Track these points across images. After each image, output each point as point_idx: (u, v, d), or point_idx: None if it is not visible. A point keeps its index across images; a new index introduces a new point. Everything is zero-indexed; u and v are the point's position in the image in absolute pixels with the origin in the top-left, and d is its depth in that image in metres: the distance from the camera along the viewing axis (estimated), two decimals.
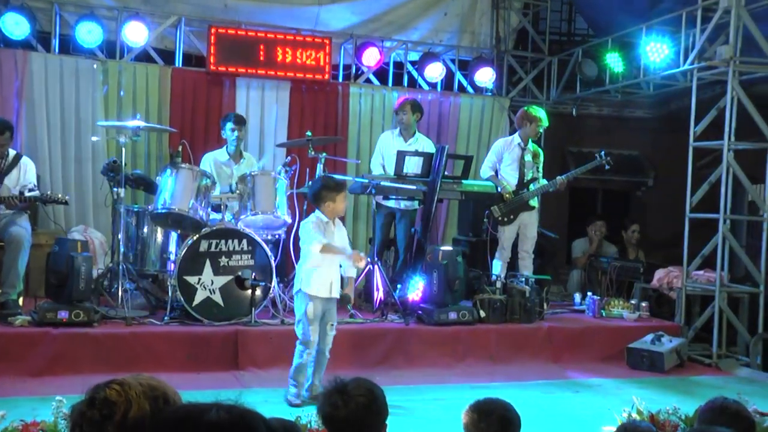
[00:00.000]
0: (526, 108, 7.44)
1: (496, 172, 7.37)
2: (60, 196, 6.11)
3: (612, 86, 8.57)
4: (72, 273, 5.60)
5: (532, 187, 7.24)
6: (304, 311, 4.99)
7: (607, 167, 7.26)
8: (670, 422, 3.85)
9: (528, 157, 7.27)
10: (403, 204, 7.36)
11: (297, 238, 6.26)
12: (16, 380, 5.08)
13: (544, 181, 7.30)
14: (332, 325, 5.13)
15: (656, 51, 7.43)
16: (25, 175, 6.14)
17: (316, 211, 5.05)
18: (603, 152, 7.23)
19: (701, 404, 3.58)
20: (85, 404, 1.82)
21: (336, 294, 5.07)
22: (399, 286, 6.93)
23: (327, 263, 4.99)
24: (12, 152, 6.17)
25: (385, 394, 2.64)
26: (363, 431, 2.58)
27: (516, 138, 7.36)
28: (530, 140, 7.35)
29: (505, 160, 7.33)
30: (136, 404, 1.78)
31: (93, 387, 1.87)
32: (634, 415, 3.79)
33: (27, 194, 5.91)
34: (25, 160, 6.23)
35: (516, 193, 7.22)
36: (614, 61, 8.19)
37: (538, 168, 7.31)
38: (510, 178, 7.29)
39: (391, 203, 7.32)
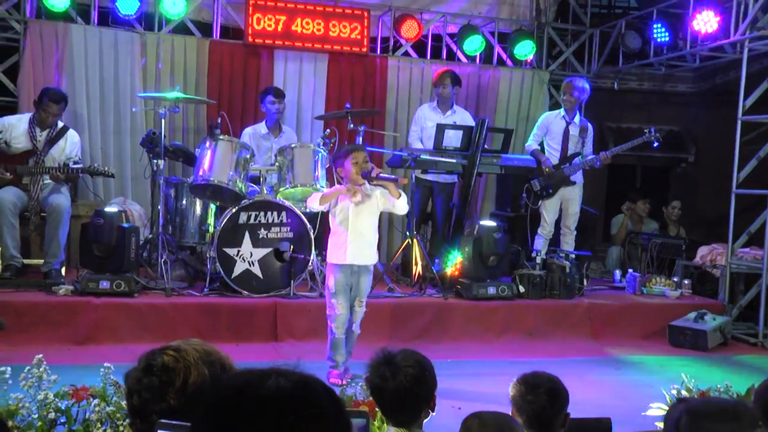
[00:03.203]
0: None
1: (542, 146, 7.27)
2: (106, 169, 6.19)
3: (656, 59, 8.35)
4: (122, 244, 5.67)
5: (575, 162, 7.13)
6: (327, 282, 4.85)
7: (656, 144, 7.08)
8: None
9: (574, 131, 7.15)
10: (442, 177, 7.29)
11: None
12: (60, 348, 5.15)
13: (589, 156, 7.17)
14: (361, 301, 4.84)
15: (704, 21, 7.21)
16: (71, 147, 6.23)
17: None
18: (653, 129, 7.03)
19: (754, 383, 3.50)
20: (141, 371, 1.79)
21: (361, 261, 4.75)
22: (437, 260, 6.88)
23: (341, 227, 4.77)
24: (60, 123, 6.25)
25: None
26: (411, 403, 2.55)
27: (561, 111, 7.26)
28: (578, 114, 7.23)
29: (549, 134, 7.23)
30: (195, 370, 1.75)
31: (147, 353, 1.84)
32: (684, 393, 3.71)
33: (72, 166, 5.99)
34: (72, 133, 6.32)
35: (557, 168, 7.10)
36: (659, 33, 7.97)
37: (585, 143, 7.18)
38: (552, 152, 7.19)
39: (429, 176, 7.26)
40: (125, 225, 5.73)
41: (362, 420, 2.52)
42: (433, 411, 2.58)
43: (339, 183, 5.00)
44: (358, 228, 4.75)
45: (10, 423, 3.21)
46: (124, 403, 3.21)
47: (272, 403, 1.19)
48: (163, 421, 1.68)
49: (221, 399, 1.23)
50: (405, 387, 2.52)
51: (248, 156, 6.09)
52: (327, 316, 4.84)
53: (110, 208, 5.97)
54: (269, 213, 5.99)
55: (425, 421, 2.59)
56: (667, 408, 3.44)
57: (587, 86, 7.25)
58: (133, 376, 1.81)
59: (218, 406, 1.22)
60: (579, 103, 7.30)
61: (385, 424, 3.42)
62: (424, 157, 6.73)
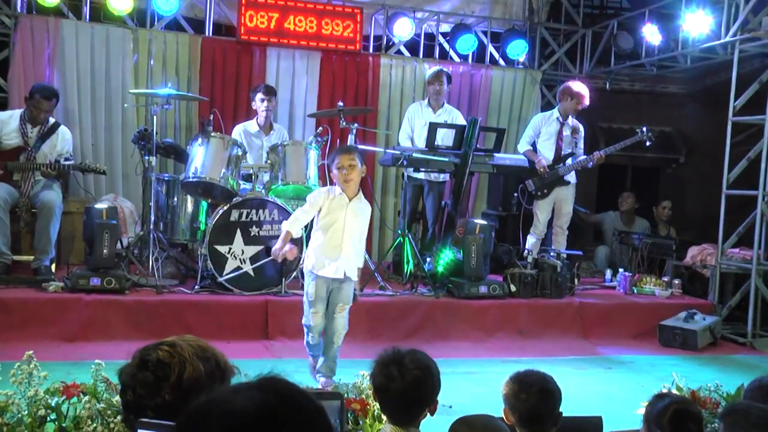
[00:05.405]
0: (570, 83, 7.33)
1: (535, 147, 7.28)
2: (98, 165, 6.17)
3: (648, 59, 8.37)
4: (96, 240, 5.63)
5: (569, 162, 7.15)
6: (306, 290, 4.66)
7: (648, 144, 7.12)
8: (711, 399, 3.78)
9: (567, 132, 7.18)
10: (433, 176, 7.30)
11: None
12: (50, 345, 5.11)
13: (582, 157, 7.19)
14: (341, 306, 4.60)
15: (696, 23, 7.24)
16: (62, 143, 6.21)
17: None
18: (645, 128, 7.08)
19: (744, 382, 3.52)
20: (135, 366, 1.78)
21: (346, 275, 4.57)
22: (428, 258, 6.88)
23: (330, 239, 4.55)
24: (51, 120, 6.23)
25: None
26: (414, 405, 2.54)
27: (555, 112, 7.28)
28: (570, 116, 7.24)
29: (542, 135, 7.25)
30: (190, 365, 1.74)
31: (142, 349, 1.83)
32: (674, 392, 3.73)
33: (63, 163, 5.97)
34: (63, 130, 6.31)
35: (551, 168, 7.12)
36: (651, 34, 7.99)
37: (577, 143, 7.21)
38: (546, 153, 7.20)
39: (420, 175, 7.26)
40: (96, 221, 5.67)
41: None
42: (432, 414, 2.57)
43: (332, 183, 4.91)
44: (349, 242, 4.70)
45: None
46: (114, 399, 3.20)
47: (239, 421, 1.16)
48: (143, 420, 1.67)
49: (193, 413, 1.22)
50: (410, 389, 2.50)
51: (240, 153, 6.08)
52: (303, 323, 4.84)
53: (95, 205, 5.95)
54: (261, 211, 5.98)
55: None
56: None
57: None
58: (127, 372, 1.80)
59: (190, 420, 1.21)
60: None
61: (377, 422, 3.43)
62: (416, 155, 6.73)
